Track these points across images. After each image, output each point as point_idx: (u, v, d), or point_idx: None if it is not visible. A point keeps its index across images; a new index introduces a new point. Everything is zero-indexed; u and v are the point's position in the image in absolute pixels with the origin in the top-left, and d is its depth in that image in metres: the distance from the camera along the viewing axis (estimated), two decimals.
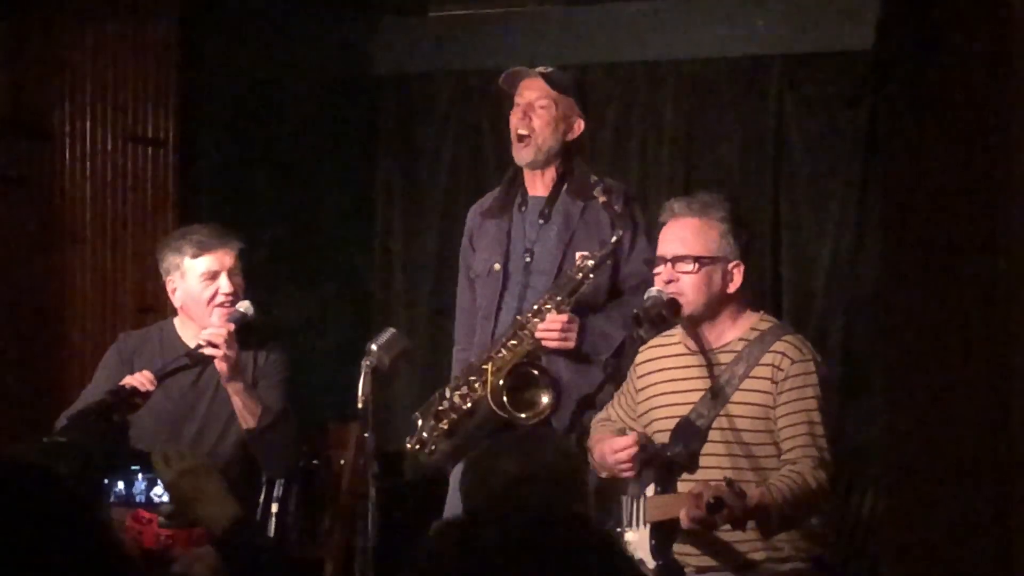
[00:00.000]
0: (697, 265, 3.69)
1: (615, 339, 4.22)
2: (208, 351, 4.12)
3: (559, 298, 4.13)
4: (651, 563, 3.66)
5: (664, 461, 3.71)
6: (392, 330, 3.93)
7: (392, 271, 6.06)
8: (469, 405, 4.17)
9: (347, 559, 4.30)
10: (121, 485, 3.85)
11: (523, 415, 4.08)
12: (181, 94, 5.37)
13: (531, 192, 4.37)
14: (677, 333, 3.83)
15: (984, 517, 3.82)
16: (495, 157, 6.01)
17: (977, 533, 3.85)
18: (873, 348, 5.40)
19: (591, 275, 4.12)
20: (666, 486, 3.72)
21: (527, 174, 4.38)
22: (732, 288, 3.74)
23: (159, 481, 3.13)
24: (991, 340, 3.81)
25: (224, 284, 4.23)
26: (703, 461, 3.68)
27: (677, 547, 3.67)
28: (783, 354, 3.66)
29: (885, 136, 5.31)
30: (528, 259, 4.30)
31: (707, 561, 3.64)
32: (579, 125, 4.35)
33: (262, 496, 4.21)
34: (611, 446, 3.73)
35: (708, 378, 3.71)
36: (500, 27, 5.95)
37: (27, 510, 1.76)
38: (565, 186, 4.31)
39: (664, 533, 3.66)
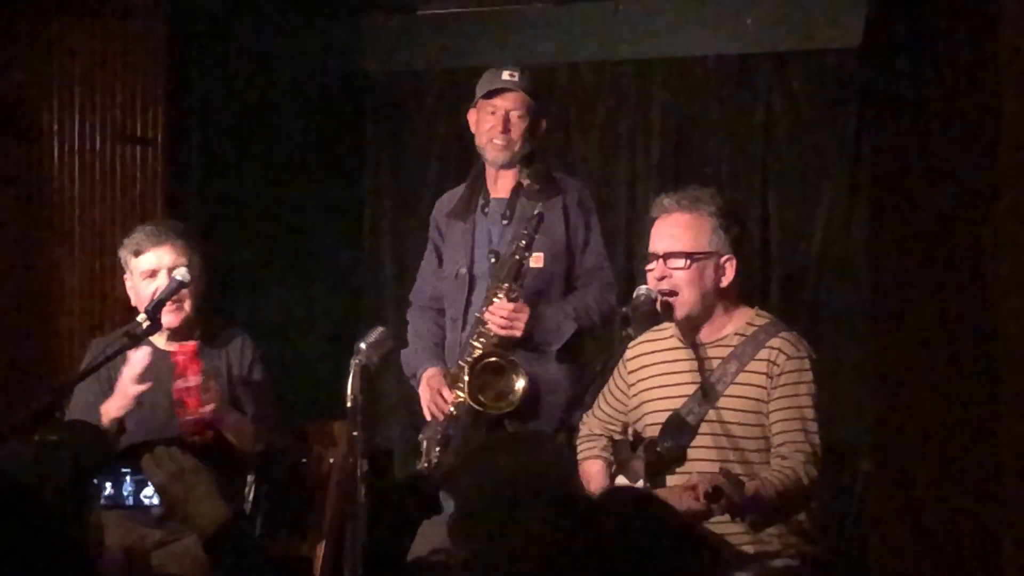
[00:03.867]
0: (689, 261, 3.69)
1: (566, 330, 4.32)
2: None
3: (506, 285, 4.22)
4: None
5: (653, 457, 3.72)
6: (381, 328, 3.92)
7: (381, 269, 6.06)
8: (454, 411, 4.23)
9: (336, 558, 4.30)
10: (110, 486, 3.86)
11: (500, 404, 4.15)
12: (170, 93, 5.36)
13: (493, 194, 4.45)
14: (670, 327, 3.83)
15: (973, 513, 3.84)
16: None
17: (966, 529, 3.86)
18: (862, 342, 5.41)
19: (526, 253, 4.22)
20: (656, 482, 3.72)
21: (490, 175, 4.47)
22: (725, 282, 3.74)
23: (148, 482, 3.13)
24: (979, 335, 3.82)
25: (163, 282, 4.22)
26: (692, 455, 3.69)
27: None
28: (779, 350, 3.67)
29: (872, 133, 5.32)
30: (493, 260, 4.38)
31: None
32: (543, 125, 4.50)
33: (251, 494, 4.21)
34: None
35: (701, 372, 3.72)
36: (489, 25, 5.95)
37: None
38: (522, 188, 4.39)
39: None
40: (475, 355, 4.22)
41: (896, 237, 4.57)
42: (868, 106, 5.37)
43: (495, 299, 4.24)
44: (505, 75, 4.42)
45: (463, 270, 4.40)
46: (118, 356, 4.15)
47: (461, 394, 4.23)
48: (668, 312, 3.72)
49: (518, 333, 4.23)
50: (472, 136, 4.42)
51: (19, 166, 5.25)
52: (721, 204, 3.78)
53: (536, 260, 4.33)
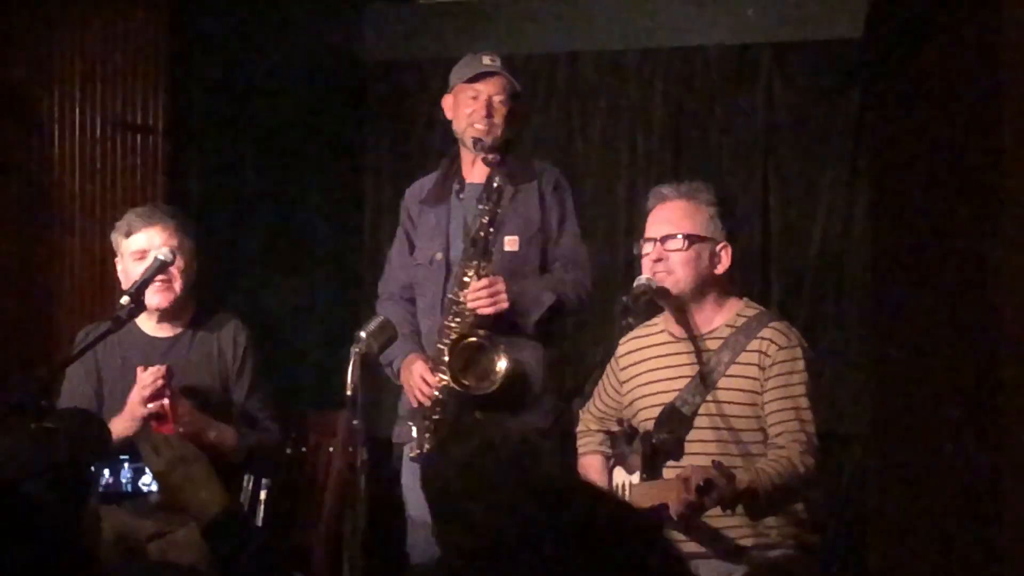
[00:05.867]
0: (687, 243, 3.71)
1: (544, 300, 4.28)
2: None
3: (475, 263, 4.19)
4: None
5: (649, 450, 3.72)
6: (381, 317, 3.93)
7: (381, 257, 6.05)
8: (439, 395, 4.20)
9: (335, 546, 4.30)
10: (108, 474, 3.86)
11: (484, 385, 4.13)
12: (170, 81, 5.35)
13: (468, 179, 4.42)
14: (660, 321, 3.84)
15: (971, 505, 3.84)
16: None
17: (964, 521, 3.87)
18: (862, 334, 5.41)
19: (491, 228, 4.19)
20: (652, 473, 3.72)
21: (466, 160, 4.43)
22: (720, 269, 3.75)
23: (147, 470, 3.13)
24: (980, 326, 3.82)
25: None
26: (689, 448, 3.70)
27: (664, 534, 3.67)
28: (770, 340, 3.68)
29: (874, 123, 5.32)
30: (471, 244, 4.31)
31: (694, 548, 3.65)
32: (524, 112, 4.50)
33: (250, 484, 4.20)
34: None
35: (693, 364, 3.72)
36: (489, 14, 5.94)
37: None
38: (497, 173, 4.32)
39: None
40: (453, 337, 4.18)
41: (897, 227, 4.57)
42: (869, 96, 5.37)
43: (465, 278, 4.19)
44: (486, 60, 4.38)
45: (439, 255, 4.36)
46: (107, 344, 4.14)
47: (444, 377, 4.19)
48: (664, 295, 3.72)
49: (505, 304, 4.18)
50: None
51: (19, 154, 5.24)
52: (717, 194, 3.81)
53: (511, 244, 4.30)
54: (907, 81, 4.47)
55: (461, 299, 4.19)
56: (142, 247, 4.26)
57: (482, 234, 4.18)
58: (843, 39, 5.47)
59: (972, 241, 3.89)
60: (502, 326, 4.22)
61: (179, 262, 4.22)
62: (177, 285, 4.25)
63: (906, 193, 4.46)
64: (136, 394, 4.11)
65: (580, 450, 3.98)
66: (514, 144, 4.47)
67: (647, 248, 3.76)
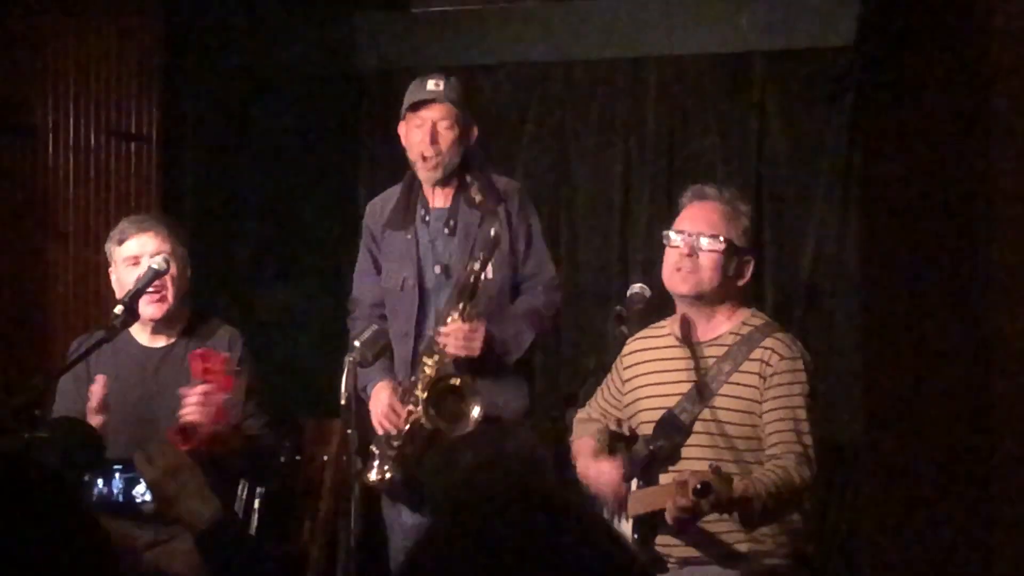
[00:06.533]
0: (723, 247, 3.68)
1: (525, 339, 4.28)
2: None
3: (460, 304, 4.15)
4: None
5: (647, 455, 3.72)
6: (375, 326, 3.93)
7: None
8: (408, 427, 4.18)
9: (329, 555, 4.30)
10: (100, 483, 3.85)
11: (456, 427, 4.09)
12: (164, 89, 5.36)
13: (432, 203, 4.37)
14: (667, 324, 3.83)
15: (964, 513, 3.84)
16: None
17: (958, 530, 3.87)
18: (855, 341, 5.42)
19: (481, 273, 4.15)
20: (648, 479, 3.72)
21: (427, 184, 4.39)
22: (742, 281, 3.75)
23: (140, 480, 3.13)
24: (972, 334, 3.83)
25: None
26: (685, 454, 3.69)
27: (660, 539, 3.68)
28: (772, 350, 3.66)
29: (866, 131, 5.33)
30: (439, 272, 4.32)
31: (690, 552, 3.65)
32: (475, 132, 4.40)
33: (244, 492, 4.20)
34: (595, 469, 3.76)
35: (695, 371, 3.72)
36: (483, 23, 5.95)
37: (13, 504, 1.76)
38: (463, 197, 4.32)
39: (647, 526, 3.66)
40: (429, 374, 4.15)
41: (890, 235, 4.58)
42: (862, 104, 5.38)
43: (449, 320, 4.15)
44: (430, 84, 4.33)
45: (411, 282, 4.32)
46: (99, 355, 4.13)
47: (414, 409, 4.16)
48: (682, 283, 3.69)
49: (476, 352, 4.15)
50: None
51: (13, 162, 5.25)
52: (753, 210, 3.81)
53: (484, 275, 4.26)
54: (899, 89, 4.48)
55: (440, 339, 4.17)
56: (135, 253, 4.24)
57: (472, 279, 4.14)
58: (835, 47, 5.48)
59: (964, 248, 3.90)
60: (484, 365, 4.20)
61: (172, 270, 4.21)
62: (170, 294, 4.24)
63: (898, 201, 4.47)
64: (90, 403, 4.09)
65: (575, 435, 3.94)
66: (478, 160, 4.41)
67: (676, 240, 3.73)
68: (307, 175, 5.95)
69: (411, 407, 4.16)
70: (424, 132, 4.29)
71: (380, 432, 4.24)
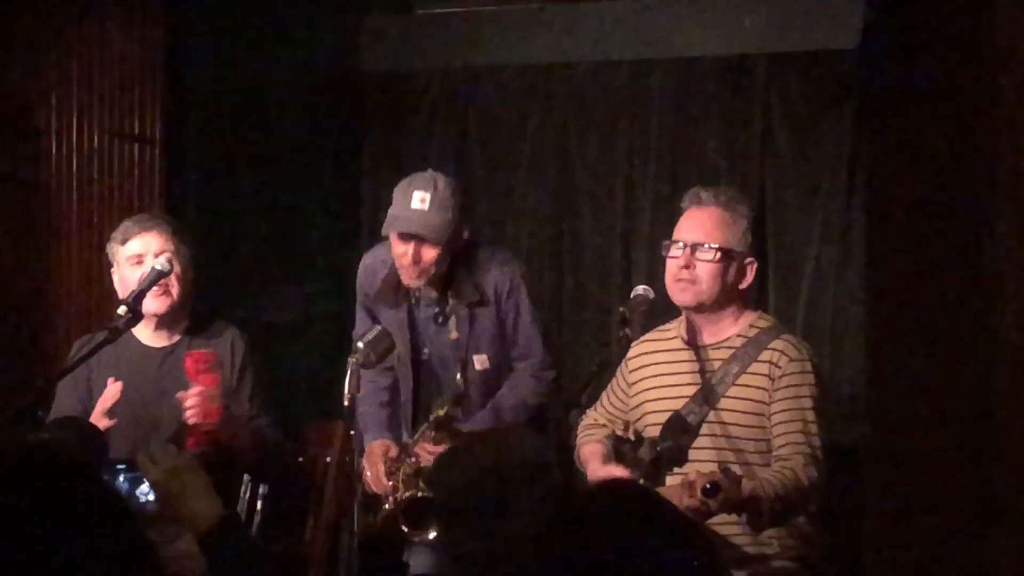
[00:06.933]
0: (719, 255, 3.67)
1: (532, 404, 4.29)
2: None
3: (433, 434, 4.14)
4: None
5: (653, 458, 3.72)
6: (379, 327, 3.93)
7: None
8: (398, 489, 4.17)
9: (332, 555, 4.30)
10: None
11: (414, 534, 4.05)
12: (168, 91, 5.36)
13: (420, 291, 4.33)
14: (674, 327, 3.82)
15: (969, 516, 3.84)
16: (481, 154, 6.03)
17: (963, 533, 3.87)
18: (858, 345, 5.42)
19: (457, 415, 4.16)
20: (655, 481, 3.72)
21: None
22: (744, 284, 3.73)
23: (143, 480, 3.12)
24: (977, 336, 3.83)
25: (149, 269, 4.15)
26: (692, 456, 3.68)
27: None
28: (781, 352, 3.66)
29: (870, 134, 5.33)
30: (430, 354, 4.34)
31: None
32: (465, 233, 4.27)
33: (247, 493, 4.19)
34: (606, 474, 3.75)
35: (702, 373, 3.71)
36: (487, 25, 5.96)
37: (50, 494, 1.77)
38: (451, 291, 4.27)
39: None
40: (407, 477, 4.13)
41: (893, 238, 4.57)
42: (866, 107, 5.38)
43: (422, 439, 4.17)
44: (416, 200, 4.18)
45: (405, 357, 4.33)
46: (100, 355, 4.13)
47: (399, 483, 4.16)
48: (682, 293, 3.70)
49: None
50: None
51: (16, 162, 5.25)
52: (752, 209, 3.79)
53: (480, 363, 4.28)
54: (903, 92, 4.48)
55: (414, 449, 4.19)
56: (138, 252, 4.23)
57: (445, 414, 4.12)
58: (839, 50, 5.48)
59: (968, 251, 3.89)
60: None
61: (176, 268, 4.20)
62: (175, 291, 4.23)
63: (902, 203, 4.47)
64: (99, 406, 4.09)
65: (580, 440, 3.93)
66: (468, 256, 4.29)
67: (675, 251, 3.72)
68: (310, 176, 5.95)
69: (396, 480, 4.16)
70: (407, 249, 4.18)
71: (368, 491, 4.27)
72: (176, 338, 4.32)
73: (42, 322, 5.24)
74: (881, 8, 5.00)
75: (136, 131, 5.33)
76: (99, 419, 4.06)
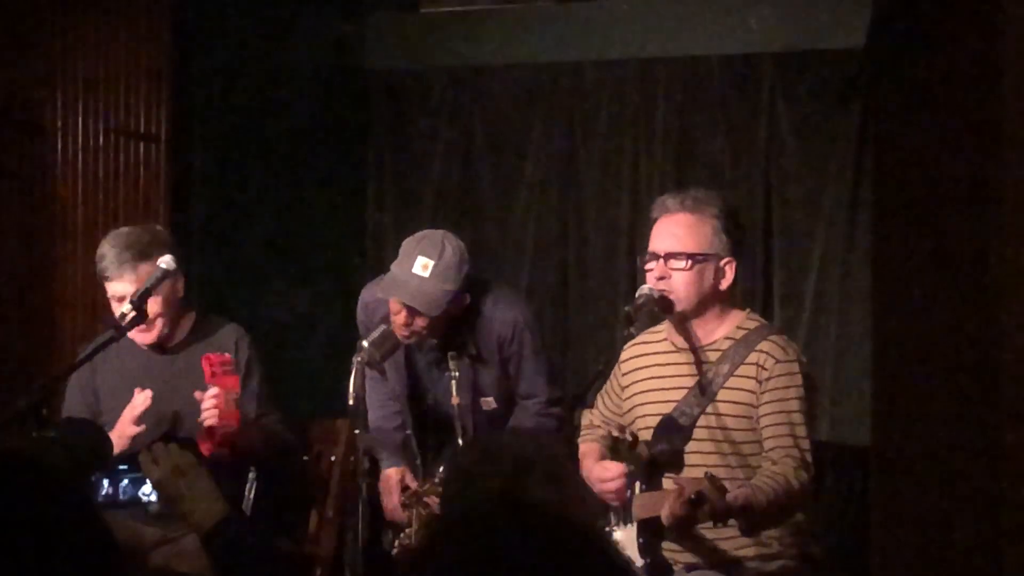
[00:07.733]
0: (690, 262, 3.67)
1: (548, 429, 4.28)
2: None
3: (432, 491, 4.17)
4: (639, 561, 3.66)
5: (649, 459, 3.72)
6: (384, 326, 3.92)
7: (383, 267, 6.05)
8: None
9: (337, 556, 4.30)
10: (107, 483, 3.85)
11: None
12: (173, 89, 5.36)
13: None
14: (664, 329, 3.83)
15: (973, 514, 3.83)
16: (486, 153, 6.02)
17: (966, 530, 3.86)
18: (864, 345, 5.40)
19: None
20: (651, 484, 3.72)
21: None
22: (724, 285, 3.73)
23: (147, 480, 3.13)
24: (983, 337, 3.82)
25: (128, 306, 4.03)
26: (688, 459, 3.68)
27: (666, 545, 3.68)
28: (768, 354, 3.66)
29: (877, 134, 5.31)
30: (432, 401, 4.35)
31: (695, 558, 3.65)
32: (465, 300, 4.20)
33: (251, 491, 4.19)
34: (599, 472, 3.75)
35: (693, 375, 3.71)
36: (491, 23, 5.95)
37: (19, 503, 1.76)
38: (451, 351, 4.20)
39: (651, 531, 3.66)
40: (417, 527, 4.17)
41: (900, 239, 4.56)
42: (872, 107, 5.36)
43: (429, 488, 4.19)
44: (418, 267, 4.11)
45: (404, 397, 4.37)
46: (106, 357, 4.12)
47: (421, 510, 4.19)
48: (668, 306, 3.70)
49: None
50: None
51: (22, 160, 5.25)
52: (723, 206, 3.76)
53: (487, 404, 4.30)
54: (909, 91, 4.46)
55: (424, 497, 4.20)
56: (117, 294, 4.18)
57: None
58: (845, 49, 5.46)
59: (975, 251, 3.88)
60: None
61: (153, 306, 4.13)
62: (160, 322, 4.21)
63: (909, 203, 4.45)
64: (128, 413, 4.08)
65: (580, 441, 3.96)
66: (467, 314, 4.24)
67: (650, 264, 3.73)
68: (316, 175, 5.95)
69: (411, 515, 4.20)
70: (401, 312, 4.10)
71: (387, 517, 4.31)
72: (181, 337, 4.31)
73: (47, 320, 5.24)
74: (888, 6, 4.98)
75: (142, 129, 5.33)
76: (127, 426, 4.06)
